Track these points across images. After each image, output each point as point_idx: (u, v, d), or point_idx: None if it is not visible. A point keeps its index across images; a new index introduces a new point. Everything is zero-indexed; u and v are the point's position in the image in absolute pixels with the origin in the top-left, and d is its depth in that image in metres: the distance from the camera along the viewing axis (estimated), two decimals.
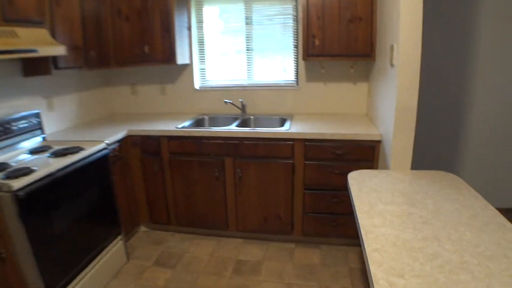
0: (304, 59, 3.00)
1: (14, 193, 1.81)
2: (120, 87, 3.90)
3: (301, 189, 2.89)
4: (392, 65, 2.33)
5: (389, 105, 2.42)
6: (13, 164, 2.22)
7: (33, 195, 1.94)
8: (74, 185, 2.31)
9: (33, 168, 2.06)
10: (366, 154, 2.72)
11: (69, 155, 2.33)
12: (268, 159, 2.86)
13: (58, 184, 2.15)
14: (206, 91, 3.69)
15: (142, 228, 3.43)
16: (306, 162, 2.81)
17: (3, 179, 1.91)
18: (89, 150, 2.47)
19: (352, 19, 2.86)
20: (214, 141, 2.92)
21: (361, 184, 1.87)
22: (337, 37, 2.91)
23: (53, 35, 2.59)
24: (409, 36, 2.14)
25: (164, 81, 3.76)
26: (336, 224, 2.92)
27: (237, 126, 3.12)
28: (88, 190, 2.48)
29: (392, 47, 2.30)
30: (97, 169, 2.56)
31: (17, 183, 1.85)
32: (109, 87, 3.92)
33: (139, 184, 3.23)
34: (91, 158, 2.47)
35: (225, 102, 3.44)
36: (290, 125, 2.95)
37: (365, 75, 3.32)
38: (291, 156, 2.82)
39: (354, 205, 1.63)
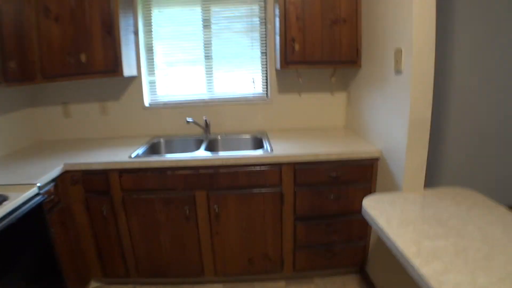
0: (282, 67, 2.67)
1: None
2: (48, 107, 3.25)
3: (291, 221, 2.54)
4: (398, 72, 2.11)
5: (395, 117, 2.19)
6: None
7: None
8: None
9: None
10: (364, 174, 2.46)
11: None
12: (251, 189, 2.45)
13: None
14: (158, 108, 3.17)
15: (94, 284, 2.83)
16: (296, 189, 2.46)
17: None
18: (16, 201, 1.83)
19: (336, 20, 2.61)
20: (181, 172, 2.41)
21: (386, 215, 1.71)
22: (319, 41, 2.62)
23: None
24: (423, 38, 1.91)
25: (105, 98, 3.18)
26: (331, 255, 2.62)
27: (205, 150, 2.68)
28: (18, 256, 1.84)
29: (399, 51, 2.08)
30: (29, 224, 1.93)
31: None
32: (35, 107, 3.26)
33: (84, 232, 2.61)
34: (20, 212, 1.83)
35: (187, 121, 2.90)
36: (270, 146, 2.59)
37: (344, 84, 3.10)
38: (279, 183, 2.45)
39: (395, 246, 1.45)
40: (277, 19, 2.71)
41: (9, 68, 2.41)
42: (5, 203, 1.80)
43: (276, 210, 2.49)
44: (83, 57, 2.70)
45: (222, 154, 2.45)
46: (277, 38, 2.78)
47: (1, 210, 1.72)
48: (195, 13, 3.04)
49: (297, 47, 2.63)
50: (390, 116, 2.24)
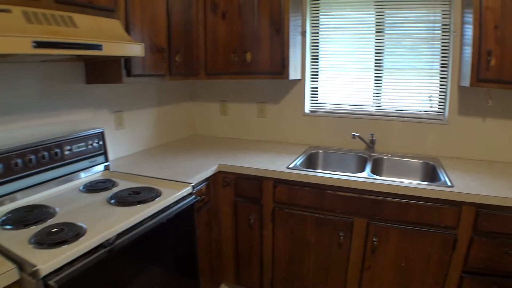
0: (472, 84, 2.50)
1: (43, 281, 1.29)
2: (207, 103, 3.55)
3: (458, 272, 2.38)
4: None
5: None
6: (56, 209, 1.80)
7: (76, 284, 1.41)
8: (141, 253, 1.80)
9: (83, 226, 1.58)
10: None
11: (139, 205, 1.85)
12: (420, 227, 2.40)
13: (116, 256, 1.62)
14: (318, 116, 3.21)
15: None
16: (474, 236, 2.33)
17: (34, 245, 1.44)
18: (170, 198, 1.97)
19: None
20: (342, 193, 2.37)
21: None
22: None
23: (127, 30, 2.22)
24: None
25: (264, 100, 3.32)
26: None
27: (371, 172, 2.66)
28: (162, 252, 1.98)
29: None
30: (178, 224, 2.05)
31: (49, 264, 1.31)
32: (194, 102, 3.62)
33: (227, 235, 2.77)
34: (171, 211, 1.96)
35: (353, 135, 2.87)
36: (449, 179, 2.48)
37: None
38: (454, 225, 2.34)
39: None
40: (469, 27, 2.57)
41: (175, 62, 2.65)
42: (158, 199, 1.94)
43: (444, 257, 2.36)
44: (248, 56, 2.87)
45: (394, 180, 2.34)
46: (466, 49, 2.61)
47: (155, 207, 1.87)
48: (367, 16, 2.96)
49: (493, 62, 2.46)
50: None
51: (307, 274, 2.59)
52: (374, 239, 2.36)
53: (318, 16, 3.07)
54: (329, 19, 3.05)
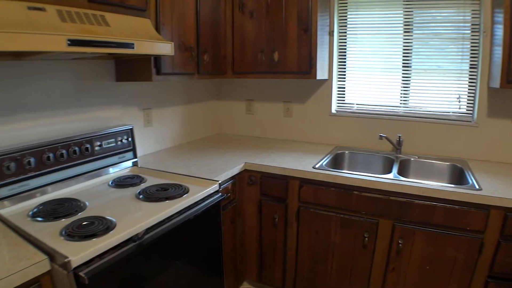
0: (502, 86, 2.44)
1: (73, 272, 1.32)
2: (233, 102, 3.58)
3: (484, 277, 2.33)
4: None
5: None
6: (86, 203, 1.85)
7: (105, 276, 1.44)
8: (168, 248, 1.82)
9: (112, 220, 1.62)
10: None
11: (167, 201, 1.88)
12: (446, 230, 2.36)
13: (144, 250, 1.64)
14: (345, 116, 3.19)
15: (246, 285, 3.02)
16: (501, 240, 2.29)
17: (65, 237, 1.48)
18: (197, 195, 2.00)
19: None
20: (368, 194, 2.36)
21: None
22: None
23: (157, 29, 2.25)
24: None
25: (291, 99, 3.32)
26: None
27: (398, 173, 2.63)
28: (188, 252, 1.99)
29: None
30: (205, 221, 2.08)
31: (80, 256, 1.35)
32: (220, 100, 3.65)
33: (251, 234, 2.79)
34: (198, 207, 1.98)
35: (380, 136, 2.84)
36: (477, 182, 2.44)
37: None
38: (481, 229, 2.30)
39: None
40: (499, 27, 2.52)
41: (203, 61, 2.67)
42: (185, 195, 1.97)
43: (470, 261, 2.32)
44: (275, 55, 2.88)
45: (421, 182, 2.32)
46: (497, 50, 2.57)
47: (182, 203, 1.89)
48: (395, 16, 2.92)
49: None
50: None
51: (330, 275, 2.59)
52: (399, 241, 2.34)
53: (345, 16, 3.05)
54: (357, 19, 3.04)
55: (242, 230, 2.75)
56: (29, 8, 1.55)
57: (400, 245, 2.34)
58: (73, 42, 1.54)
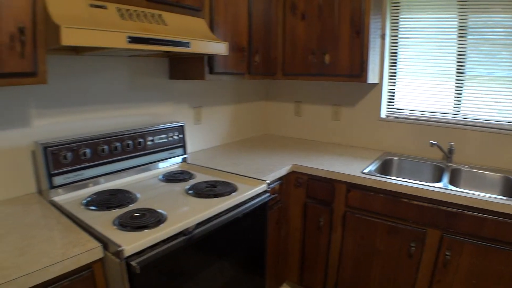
0: None
1: (125, 261, 1.36)
2: (281, 103, 3.58)
3: None
4: None
5: None
6: (137, 195, 1.91)
7: (155, 267, 1.48)
8: (215, 245, 1.85)
9: (163, 213, 1.66)
10: None
11: (215, 198, 1.91)
12: (496, 244, 2.27)
13: (193, 245, 1.68)
14: (394, 122, 3.13)
15: (285, 287, 3.01)
16: None
17: (118, 227, 1.53)
18: (246, 194, 2.01)
19: None
20: (416, 202, 2.30)
21: None
22: None
23: (211, 29, 2.29)
24: None
25: (339, 103, 3.29)
26: None
27: (448, 182, 2.55)
28: (233, 250, 2.01)
29: None
30: (252, 220, 2.09)
31: (133, 245, 1.39)
32: (268, 101, 3.67)
33: (294, 235, 2.78)
34: (247, 206, 1.99)
35: (431, 143, 2.76)
36: None
37: None
38: None
39: None
40: None
41: (254, 61, 2.69)
42: (233, 193, 1.99)
43: None
44: (327, 58, 2.85)
45: (473, 193, 2.27)
46: None
47: (231, 201, 1.91)
48: (449, 20, 2.83)
49: None
50: None
51: (373, 282, 2.55)
52: (447, 253, 2.27)
53: (397, 19, 2.98)
54: (409, 22, 2.96)
55: (285, 231, 2.75)
56: (91, 5, 1.62)
57: (448, 256, 2.27)
58: (133, 40, 1.59)
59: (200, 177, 2.25)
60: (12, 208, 1.74)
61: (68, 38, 1.41)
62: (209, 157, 2.73)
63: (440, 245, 2.30)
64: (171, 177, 2.21)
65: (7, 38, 1.41)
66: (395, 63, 3.07)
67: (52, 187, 1.83)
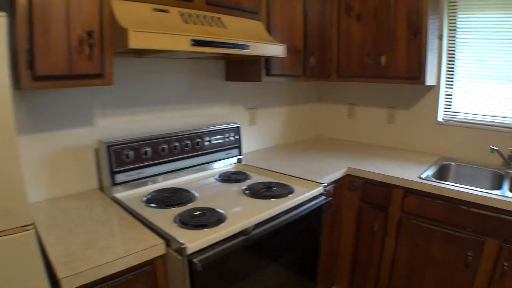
0: None
1: (188, 259, 1.40)
2: (334, 105, 3.57)
3: None
4: None
5: None
6: (195, 194, 1.95)
7: (215, 266, 1.51)
8: (271, 246, 1.87)
9: (222, 213, 1.69)
10: None
11: (272, 199, 1.93)
12: None
13: (251, 245, 1.70)
14: (452, 126, 3.02)
15: None
16: None
17: (179, 224, 1.57)
18: (302, 196, 2.02)
19: None
20: (476, 210, 2.22)
21: None
22: None
23: (268, 31, 2.30)
24: None
25: (394, 105, 3.22)
26: None
27: (509, 190, 2.43)
28: (288, 251, 2.02)
29: None
30: (307, 223, 2.10)
31: (195, 243, 1.43)
32: (321, 103, 3.66)
33: (347, 239, 2.75)
34: (304, 208, 1.99)
35: (492, 149, 2.69)
36: None
37: None
38: None
39: None
40: None
41: (309, 63, 2.69)
42: (290, 195, 1.99)
43: None
44: (383, 60, 2.80)
45: None
46: None
47: (288, 203, 1.92)
48: (510, 20, 2.71)
49: None
50: None
51: None
52: (505, 263, 2.19)
53: (455, 18, 2.88)
54: (468, 22, 2.85)
55: (338, 235, 2.74)
56: (155, 9, 1.68)
57: (506, 267, 2.18)
58: (197, 43, 1.64)
59: (255, 178, 2.28)
60: (78, 202, 1.84)
61: (136, 41, 1.46)
62: (264, 158, 2.75)
63: (499, 255, 2.21)
64: (227, 177, 2.25)
65: (77, 41, 1.49)
66: (453, 64, 2.97)
67: (114, 184, 1.92)
